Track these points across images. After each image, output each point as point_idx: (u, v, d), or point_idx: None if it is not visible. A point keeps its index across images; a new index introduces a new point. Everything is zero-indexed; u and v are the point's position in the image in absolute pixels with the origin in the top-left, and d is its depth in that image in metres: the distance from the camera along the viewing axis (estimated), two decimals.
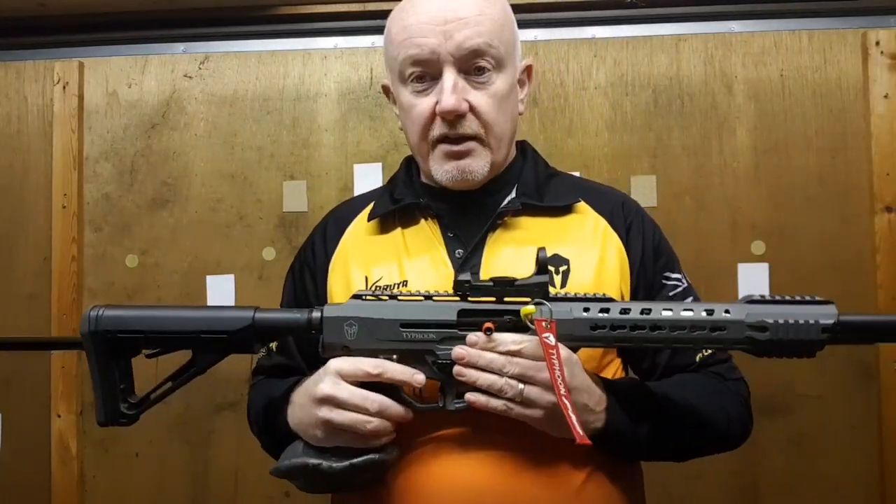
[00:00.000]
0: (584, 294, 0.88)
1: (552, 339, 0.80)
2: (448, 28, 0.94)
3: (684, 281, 1.05)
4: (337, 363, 0.86)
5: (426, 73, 0.96)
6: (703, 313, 0.83)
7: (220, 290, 1.97)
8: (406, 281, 0.99)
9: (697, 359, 1.00)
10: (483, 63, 0.95)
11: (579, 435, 0.78)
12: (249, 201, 1.98)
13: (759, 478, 1.84)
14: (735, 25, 1.92)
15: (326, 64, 1.99)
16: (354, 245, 1.06)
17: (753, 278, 1.86)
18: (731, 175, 1.88)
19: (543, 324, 0.82)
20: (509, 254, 0.99)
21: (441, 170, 0.99)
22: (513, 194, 1.03)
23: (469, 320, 0.85)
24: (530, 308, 0.84)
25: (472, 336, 0.84)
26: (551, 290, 0.94)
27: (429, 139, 0.99)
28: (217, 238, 1.98)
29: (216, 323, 0.88)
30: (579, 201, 1.04)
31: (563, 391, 0.79)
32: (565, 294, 0.91)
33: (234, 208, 1.99)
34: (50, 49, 2.08)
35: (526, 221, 1.01)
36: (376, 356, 0.85)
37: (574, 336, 0.84)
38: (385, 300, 0.88)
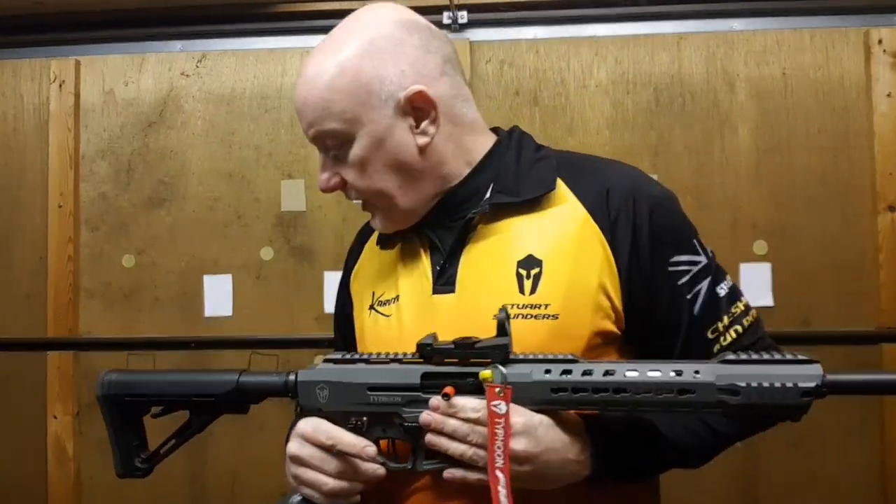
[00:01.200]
0: (546, 355, 0.85)
1: (502, 408, 0.79)
2: (301, 119, 0.98)
3: (700, 258, 0.95)
4: (302, 426, 0.89)
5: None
6: (672, 373, 0.79)
7: (218, 290, 1.95)
8: (398, 296, 0.99)
9: (715, 349, 0.94)
10: (329, 143, 0.97)
11: None
12: (247, 200, 1.97)
13: (759, 479, 1.83)
14: (737, 24, 1.91)
15: None
16: (368, 261, 1.09)
17: (755, 278, 1.84)
18: (733, 174, 1.87)
19: (496, 391, 0.80)
20: (484, 262, 0.96)
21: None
22: (487, 194, 0.98)
23: (433, 383, 0.85)
24: (487, 373, 0.82)
25: (434, 400, 0.84)
26: (520, 299, 0.92)
27: None
28: (214, 237, 1.97)
29: (204, 387, 0.95)
30: (554, 189, 0.96)
31: (499, 463, 0.78)
32: (528, 319, 0.90)
33: (232, 207, 1.97)
34: (46, 47, 2.06)
35: (500, 225, 0.97)
36: (348, 418, 0.88)
37: (535, 399, 0.83)
38: (354, 364, 0.90)
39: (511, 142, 1.02)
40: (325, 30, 2.12)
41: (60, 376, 1.95)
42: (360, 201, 1.01)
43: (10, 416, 1.98)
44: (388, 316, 1.00)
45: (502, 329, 0.84)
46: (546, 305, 0.91)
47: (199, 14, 2.00)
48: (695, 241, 0.96)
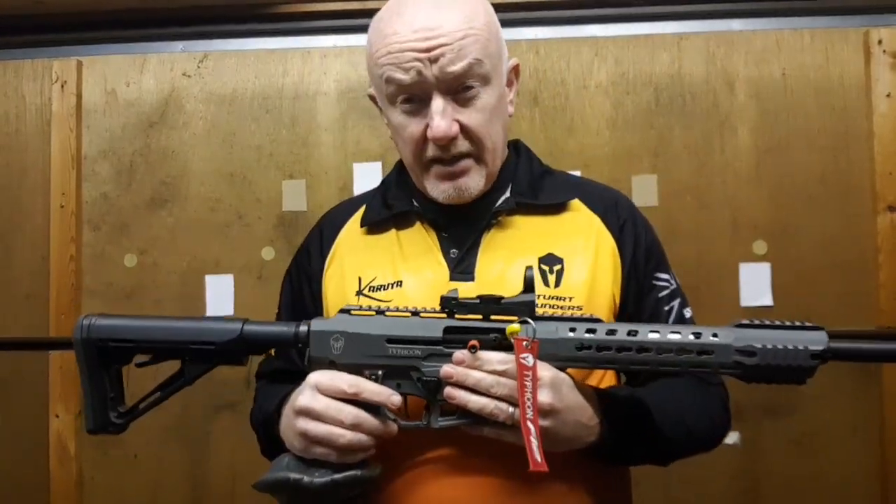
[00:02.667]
0: (572, 314, 0.87)
1: (530, 360, 0.79)
2: (432, 54, 0.91)
3: (673, 282, 1.05)
4: (315, 376, 0.85)
5: (413, 95, 0.95)
6: (691, 336, 0.82)
7: (219, 290, 1.96)
8: (401, 281, 0.98)
9: None
10: (470, 83, 0.94)
11: (535, 461, 0.78)
12: (248, 201, 1.98)
13: (760, 478, 1.83)
14: (737, 24, 1.91)
15: (326, 62, 1.99)
16: (348, 246, 1.06)
17: (755, 278, 1.85)
18: (733, 174, 1.88)
19: (524, 343, 0.80)
20: (504, 253, 0.99)
21: (437, 189, 0.99)
22: (507, 193, 1.03)
23: (455, 337, 0.84)
24: (515, 326, 0.82)
25: (459, 354, 0.82)
26: (545, 290, 0.95)
27: (423, 160, 0.98)
28: (216, 238, 1.98)
29: (204, 334, 0.87)
30: (573, 199, 1.04)
31: (529, 415, 0.78)
32: (553, 310, 0.90)
33: (233, 208, 1.98)
34: (48, 48, 2.07)
35: (520, 220, 1.01)
36: (361, 371, 0.85)
37: (559, 356, 0.83)
38: (372, 315, 0.87)
39: (521, 155, 1.09)
40: (327, 30, 2.15)
41: (62, 376, 1.96)
42: (445, 166, 0.96)
43: (12, 415, 1.98)
44: (387, 302, 0.98)
45: (529, 286, 0.84)
46: (570, 298, 0.96)
47: (201, 14, 2.00)
48: (670, 266, 1.06)
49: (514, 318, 0.84)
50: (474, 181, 0.98)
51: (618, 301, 1.00)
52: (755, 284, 1.85)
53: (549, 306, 0.94)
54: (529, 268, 0.85)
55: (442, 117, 0.93)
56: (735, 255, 1.86)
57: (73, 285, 1.98)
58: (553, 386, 0.82)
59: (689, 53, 1.90)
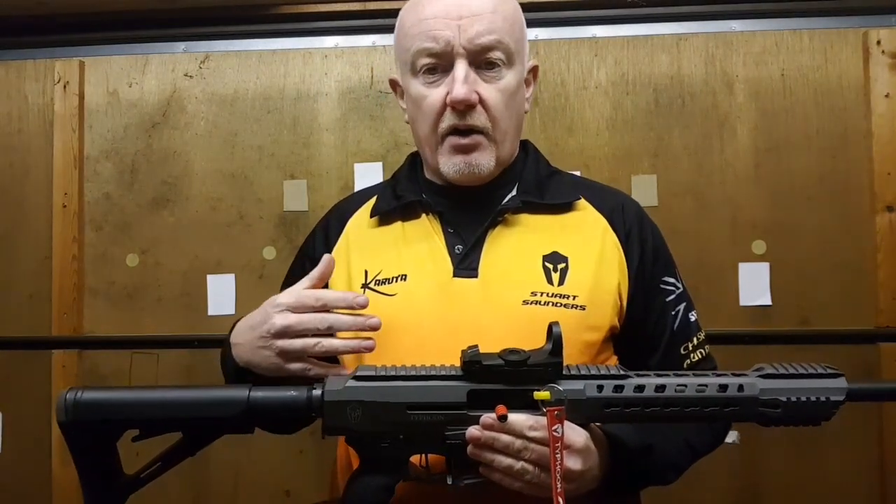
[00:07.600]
0: (598, 367, 0.85)
1: (560, 431, 0.79)
2: (462, 22, 0.96)
3: (679, 285, 1.06)
4: (281, 298, 0.90)
5: (438, 64, 0.98)
6: (717, 389, 0.82)
7: (221, 290, 1.97)
8: (405, 275, 0.99)
9: (685, 364, 1.03)
10: (494, 58, 0.98)
11: None
12: (250, 201, 1.99)
13: (759, 478, 1.84)
14: (736, 25, 1.92)
15: (327, 63, 2.00)
16: (356, 237, 1.07)
17: (754, 278, 1.86)
18: (732, 174, 1.88)
19: (555, 413, 0.79)
20: (508, 251, 0.99)
21: (449, 163, 1.00)
22: (514, 192, 1.04)
23: (479, 402, 0.82)
24: (544, 394, 0.81)
25: (487, 418, 0.81)
26: (548, 288, 0.96)
27: (438, 131, 1.00)
28: (217, 237, 1.99)
29: (207, 408, 0.82)
30: (579, 199, 1.05)
31: (559, 488, 0.77)
32: (557, 307, 0.90)
33: (235, 208, 1.99)
34: (51, 48, 2.08)
35: (526, 219, 1.02)
36: (382, 438, 0.83)
37: (585, 415, 0.83)
38: (388, 380, 0.84)
39: (529, 154, 1.10)
40: (328, 31, 2.15)
41: (65, 374, 1.97)
42: (459, 138, 0.98)
43: (15, 414, 1.99)
44: (392, 295, 0.99)
45: (557, 346, 0.82)
46: (574, 297, 0.96)
47: (202, 15, 2.01)
48: (676, 270, 1.07)
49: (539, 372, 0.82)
50: (485, 159, 1.00)
51: (624, 303, 1.00)
52: (754, 284, 1.85)
53: (553, 304, 0.95)
54: (556, 324, 0.83)
55: (464, 82, 0.96)
56: (734, 255, 1.87)
57: (75, 285, 1.99)
58: (581, 451, 0.83)
59: (688, 54, 1.91)
